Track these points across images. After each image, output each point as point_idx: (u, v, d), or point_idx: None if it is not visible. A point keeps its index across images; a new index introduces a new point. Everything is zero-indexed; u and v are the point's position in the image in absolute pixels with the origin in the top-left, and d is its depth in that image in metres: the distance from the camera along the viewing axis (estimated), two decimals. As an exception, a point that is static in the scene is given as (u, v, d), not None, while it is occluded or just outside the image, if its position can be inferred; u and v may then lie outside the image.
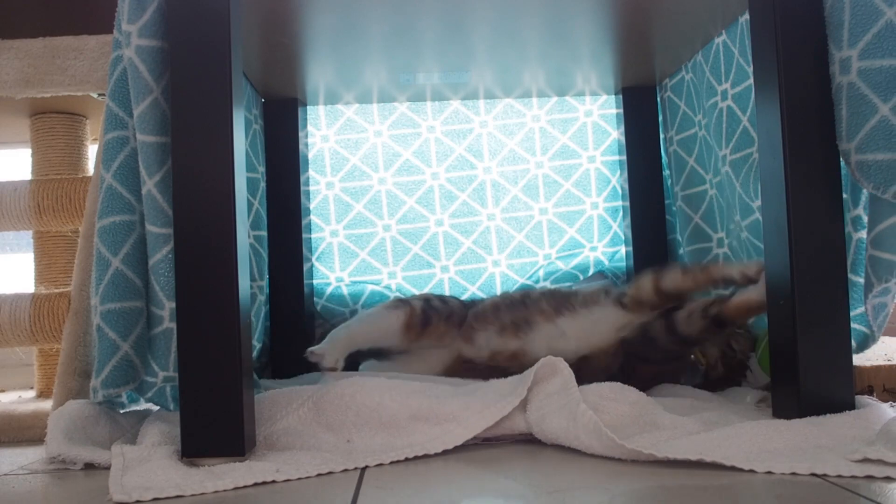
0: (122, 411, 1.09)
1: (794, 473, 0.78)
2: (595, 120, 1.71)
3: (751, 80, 1.20)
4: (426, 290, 1.67)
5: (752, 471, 0.79)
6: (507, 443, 1.00)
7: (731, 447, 0.85)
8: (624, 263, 1.67)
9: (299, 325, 1.54)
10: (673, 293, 1.18)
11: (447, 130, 1.70)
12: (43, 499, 0.86)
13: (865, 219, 1.00)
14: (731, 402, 1.11)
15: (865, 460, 0.78)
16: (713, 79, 1.33)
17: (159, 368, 1.03)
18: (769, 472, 0.79)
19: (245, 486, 0.83)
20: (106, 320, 1.00)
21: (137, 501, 0.78)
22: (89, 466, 0.95)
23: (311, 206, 1.66)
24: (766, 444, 0.86)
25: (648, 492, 0.76)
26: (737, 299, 1.10)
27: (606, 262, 1.70)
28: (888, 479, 0.75)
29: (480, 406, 0.98)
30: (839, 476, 0.76)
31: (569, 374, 0.99)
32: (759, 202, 1.15)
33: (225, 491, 0.82)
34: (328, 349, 1.23)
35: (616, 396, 1.01)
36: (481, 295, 1.63)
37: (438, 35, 1.27)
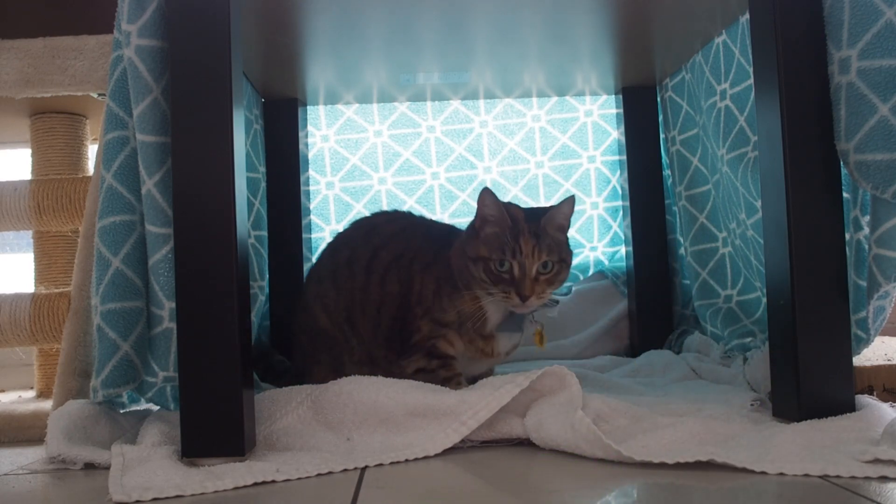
0: (122, 411, 1.09)
1: (806, 475, 0.78)
2: (595, 120, 1.71)
3: (750, 80, 1.20)
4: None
5: (763, 472, 0.79)
6: (505, 445, 0.99)
7: (740, 449, 0.85)
8: (624, 263, 1.67)
9: (299, 325, 1.54)
10: None
11: (447, 130, 1.70)
12: (43, 499, 0.86)
13: (863, 220, 0.99)
14: (728, 402, 1.09)
15: (876, 461, 0.78)
16: (713, 79, 1.32)
17: (159, 368, 1.03)
18: (781, 474, 0.78)
19: (245, 486, 0.83)
20: (106, 320, 1.00)
21: (137, 501, 0.78)
22: (89, 466, 0.95)
23: (312, 206, 1.66)
24: (773, 446, 0.86)
25: (650, 491, 0.76)
26: None
27: (606, 262, 1.70)
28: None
29: (477, 399, 0.97)
30: (852, 477, 0.76)
31: (577, 390, 0.97)
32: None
33: (225, 491, 0.82)
34: None
35: (613, 410, 0.98)
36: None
37: (438, 35, 1.27)
